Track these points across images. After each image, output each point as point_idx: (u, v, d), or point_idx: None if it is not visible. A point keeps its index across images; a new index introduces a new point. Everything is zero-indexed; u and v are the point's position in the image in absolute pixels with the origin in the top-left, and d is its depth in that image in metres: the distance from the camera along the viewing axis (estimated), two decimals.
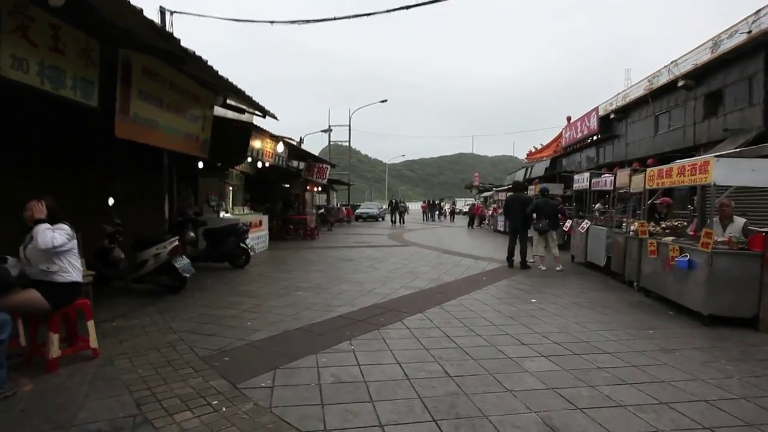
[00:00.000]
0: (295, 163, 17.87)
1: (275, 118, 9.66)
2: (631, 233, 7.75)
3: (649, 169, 6.91)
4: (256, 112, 9.62)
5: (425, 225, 28.95)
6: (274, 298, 6.18)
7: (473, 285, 7.42)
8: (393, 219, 28.43)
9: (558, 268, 9.33)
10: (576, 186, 11.14)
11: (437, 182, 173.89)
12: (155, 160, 9.15)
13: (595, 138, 18.40)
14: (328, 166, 16.90)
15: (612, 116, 16.16)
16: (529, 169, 27.35)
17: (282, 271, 8.51)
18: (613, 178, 8.96)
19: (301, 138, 24.86)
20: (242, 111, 9.72)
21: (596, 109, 17.65)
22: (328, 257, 10.80)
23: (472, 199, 59.00)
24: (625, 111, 15.37)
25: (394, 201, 30.77)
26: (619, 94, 15.80)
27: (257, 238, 11.28)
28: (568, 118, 28.39)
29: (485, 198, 42.03)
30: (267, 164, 12.76)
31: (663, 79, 13.24)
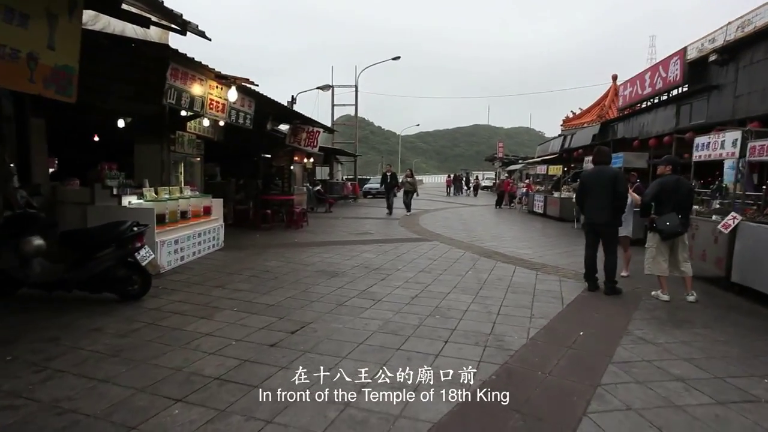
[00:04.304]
0: (284, 127, 13.86)
1: (204, 36, 5.61)
2: None
3: None
4: (173, 25, 5.59)
5: (447, 203, 24.95)
6: None
7: (574, 366, 3.46)
8: (389, 202, 16.44)
9: (691, 298, 5.39)
10: (700, 155, 6.94)
11: (452, 155, 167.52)
12: None
13: (676, 92, 13.81)
14: (320, 130, 12.77)
15: (712, 58, 11.48)
16: (569, 138, 22.66)
17: (201, 312, 4.61)
18: None
19: (293, 96, 20.37)
20: (147, 23, 5.64)
21: (682, 51, 12.96)
22: (302, 267, 6.89)
23: (492, 173, 54.06)
24: (735, 49, 10.52)
25: (388, 175, 17.12)
26: (730, 23, 10.96)
27: (199, 236, 7.39)
28: (614, 77, 24.11)
29: (509, 172, 37.53)
30: (221, 122, 8.78)
31: None
